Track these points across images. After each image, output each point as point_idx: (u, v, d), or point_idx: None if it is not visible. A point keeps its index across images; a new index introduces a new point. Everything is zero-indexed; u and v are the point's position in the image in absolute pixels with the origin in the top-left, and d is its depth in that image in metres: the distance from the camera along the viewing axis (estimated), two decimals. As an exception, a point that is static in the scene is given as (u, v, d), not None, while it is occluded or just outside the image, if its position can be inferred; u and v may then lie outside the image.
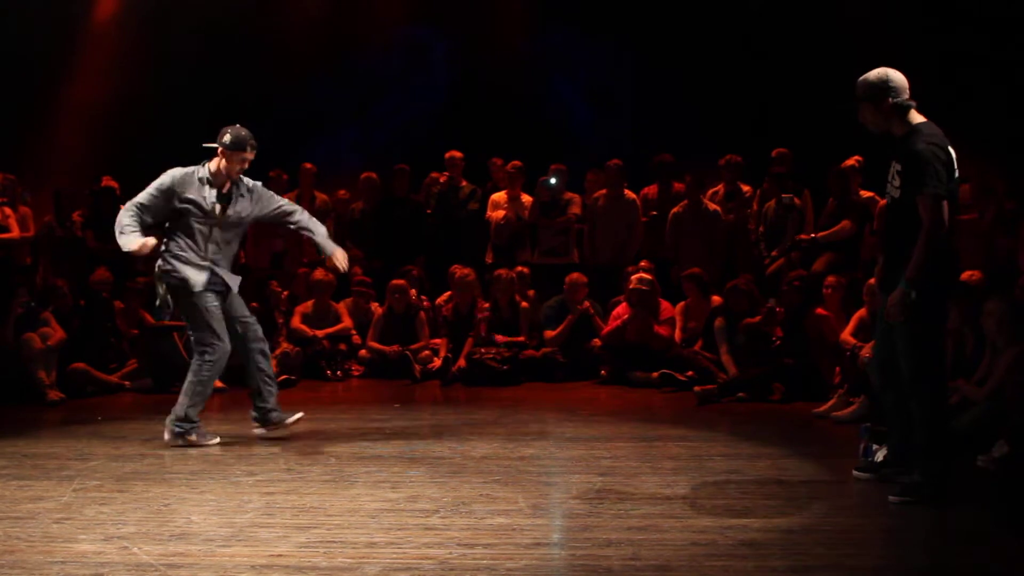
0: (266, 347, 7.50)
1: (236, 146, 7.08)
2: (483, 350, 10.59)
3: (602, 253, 11.74)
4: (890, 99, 5.59)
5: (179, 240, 7.10)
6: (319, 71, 13.86)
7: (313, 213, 12.55)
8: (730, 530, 5.01)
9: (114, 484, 6.06)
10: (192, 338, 7.30)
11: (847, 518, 5.35)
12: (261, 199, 7.37)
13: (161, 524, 5.17)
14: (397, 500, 5.64)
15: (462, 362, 10.57)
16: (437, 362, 10.76)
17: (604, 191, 11.80)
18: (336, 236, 12.55)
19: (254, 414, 7.46)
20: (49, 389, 9.46)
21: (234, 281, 7.29)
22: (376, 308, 11.50)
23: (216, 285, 7.16)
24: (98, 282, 10.80)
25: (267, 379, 7.44)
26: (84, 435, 7.67)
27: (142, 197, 7.07)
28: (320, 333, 11.03)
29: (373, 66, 14.07)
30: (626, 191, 11.78)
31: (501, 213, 12.11)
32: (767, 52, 12.52)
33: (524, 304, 11.10)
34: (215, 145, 7.11)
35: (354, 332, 11.32)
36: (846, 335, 9.03)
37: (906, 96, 5.61)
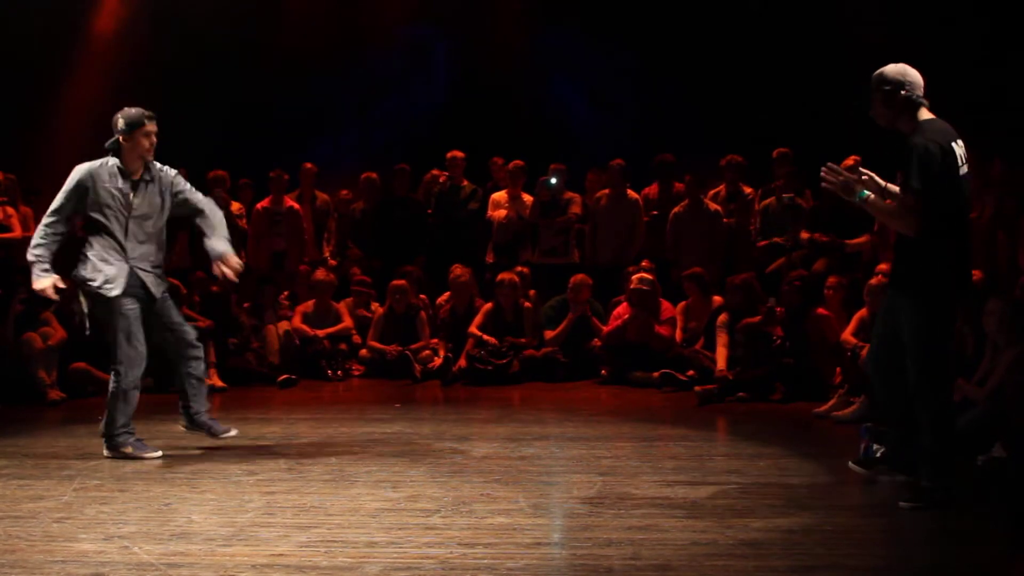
0: (199, 351, 7.06)
1: (133, 125, 6.67)
2: (481, 350, 10.56)
3: (603, 253, 11.73)
4: (903, 92, 5.56)
5: (96, 241, 6.71)
6: (320, 71, 13.85)
7: (314, 213, 12.76)
8: (731, 530, 5.01)
9: (115, 483, 6.07)
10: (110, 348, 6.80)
11: (848, 518, 5.35)
12: (172, 185, 6.90)
13: (162, 523, 5.17)
14: (398, 500, 5.64)
15: (462, 362, 10.56)
16: (437, 361, 10.76)
17: (606, 191, 11.79)
18: (337, 236, 12.64)
19: (182, 418, 7.09)
20: (50, 388, 9.46)
21: (158, 287, 6.83)
22: (376, 308, 11.50)
23: (134, 288, 6.70)
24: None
25: (195, 382, 6.99)
26: (85, 434, 7.66)
27: (55, 205, 6.72)
28: (321, 333, 11.03)
29: (374, 66, 14.07)
30: (628, 191, 11.77)
31: (502, 213, 12.11)
32: (768, 51, 12.52)
33: (527, 305, 11.09)
34: (116, 138, 6.72)
35: (354, 332, 11.32)
36: (847, 335, 9.03)
37: (919, 93, 5.58)
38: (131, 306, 6.69)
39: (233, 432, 7.08)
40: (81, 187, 6.66)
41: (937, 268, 5.48)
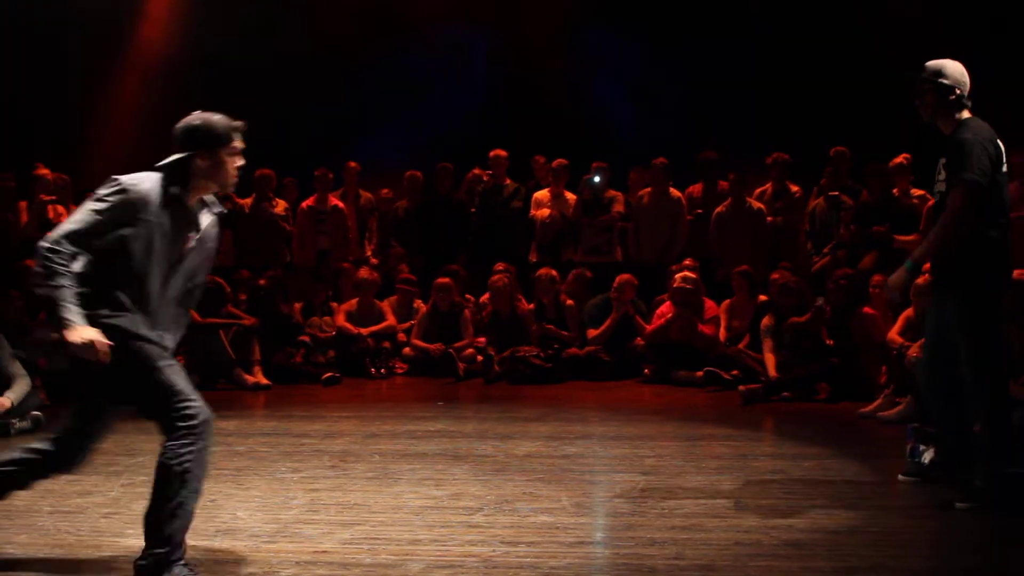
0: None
1: (220, 140, 4.62)
2: (526, 348, 10.60)
3: (646, 251, 11.71)
4: (957, 91, 5.55)
5: (114, 292, 4.44)
6: (362, 70, 13.91)
7: (358, 211, 12.82)
8: (775, 530, 4.98)
9: (161, 480, 6.12)
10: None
11: (893, 519, 5.31)
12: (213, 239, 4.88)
13: (207, 520, 5.20)
14: (441, 498, 5.65)
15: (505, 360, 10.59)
16: (480, 359, 10.77)
17: (649, 189, 11.77)
18: (379, 234, 12.69)
19: None
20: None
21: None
22: (420, 306, 11.54)
23: None
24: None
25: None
26: (131, 431, 7.68)
27: (80, 224, 4.39)
28: (364, 331, 11.08)
29: (416, 65, 14.10)
30: (671, 189, 11.73)
31: (545, 211, 12.11)
32: (813, 49, 12.44)
33: (569, 302, 11.09)
34: (184, 155, 4.62)
35: (399, 330, 11.37)
36: (893, 334, 8.93)
37: (967, 93, 5.59)
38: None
39: None
40: (129, 208, 4.45)
41: (979, 263, 5.46)
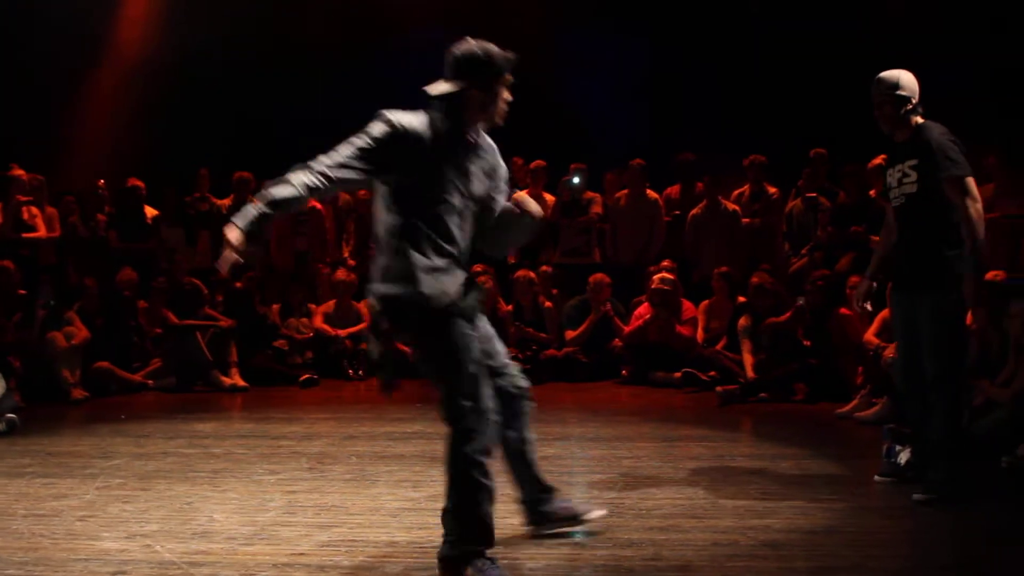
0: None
1: (497, 70, 4.42)
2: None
3: (624, 253, 11.73)
4: (913, 101, 5.72)
5: (414, 233, 4.30)
6: (342, 72, 13.88)
7: (337, 213, 12.79)
8: (752, 530, 4.99)
9: (137, 482, 6.10)
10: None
11: (870, 519, 5.33)
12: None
13: (184, 522, 5.19)
14: (419, 499, 5.65)
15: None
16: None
17: (626, 191, 11.79)
18: (358, 235, 12.66)
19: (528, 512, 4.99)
20: (73, 388, 9.52)
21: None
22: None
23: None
24: (123, 282, 10.87)
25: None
26: (107, 433, 7.72)
27: (344, 157, 4.31)
28: (342, 333, 11.05)
29: (395, 67, 14.07)
30: (648, 191, 11.75)
31: (524, 213, 12.08)
32: (789, 51, 12.48)
33: (548, 304, 11.10)
34: (455, 87, 4.40)
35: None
36: (869, 335, 8.97)
37: (919, 101, 5.76)
38: (468, 330, 4.50)
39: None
40: (400, 145, 4.28)
41: (953, 264, 5.53)
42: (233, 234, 4.06)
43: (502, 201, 4.60)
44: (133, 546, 4.80)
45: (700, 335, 10.51)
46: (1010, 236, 9.97)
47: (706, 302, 10.75)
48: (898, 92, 5.69)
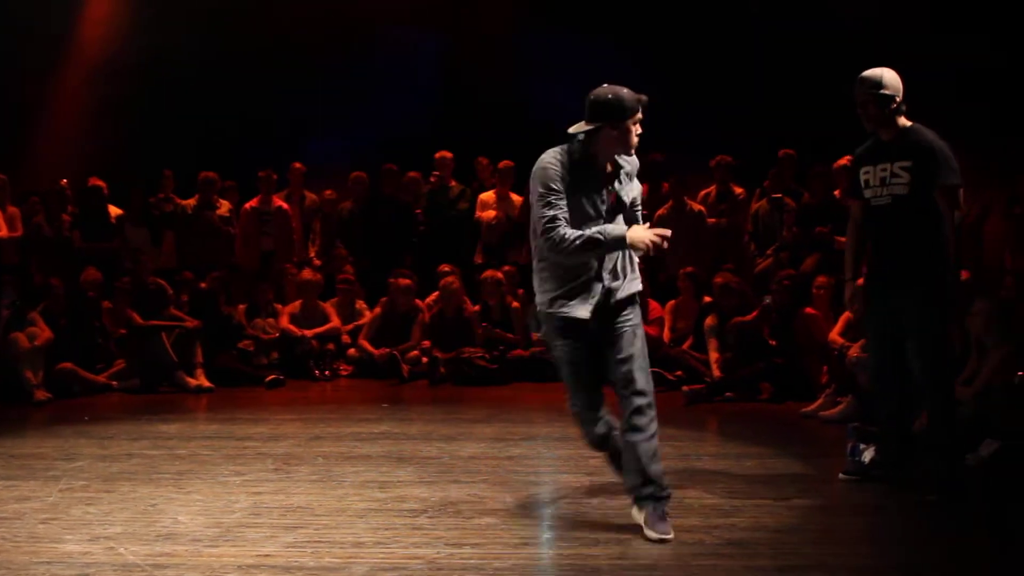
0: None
1: (631, 111, 5.07)
2: (471, 349, 10.60)
3: (590, 253, 11.73)
4: (898, 100, 5.70)
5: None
6: (309, 72, 13.84)
7: (303, 213, 12.75)
8: (717, 529, 5.01)
9: (101, 484, 6.05)
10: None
11: (834, 517, 5.37)
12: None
13: (148, 524, 5.15)
14: (385, 500, 5.63)
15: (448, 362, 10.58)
16: (425, 361, 10.75)
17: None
18: (322, 236, 12.64)
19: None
20: (36, 389, 9.43)
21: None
22: (363, 307, 11.51)
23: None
24: (87, 282, 10.79)
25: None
26: (71, 435, 7.65)
27: (554, 206, 5.01)
28: (308, 333, 11.01)
29: (364, 66, 14.05)
30: (613, 191, 11.75)
31: (491, 213, 12.11)
32: (759, 52, 12.55)
33: (515, 304, 11.10)
34: (589, 127, 5.05)
35: (343, 331, 11.31)
36: (834, 335, 9.04)
37: (903, 100, 5.73)
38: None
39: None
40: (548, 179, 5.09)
41: (937, 263, 5.58)
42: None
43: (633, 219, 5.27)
44: (96, 548, 4.76)
45: (666, 335, 10.54)
46: (971, 236, 10.08)
47: (672, 302, 10.79)
48: (881, 91, 5.67)
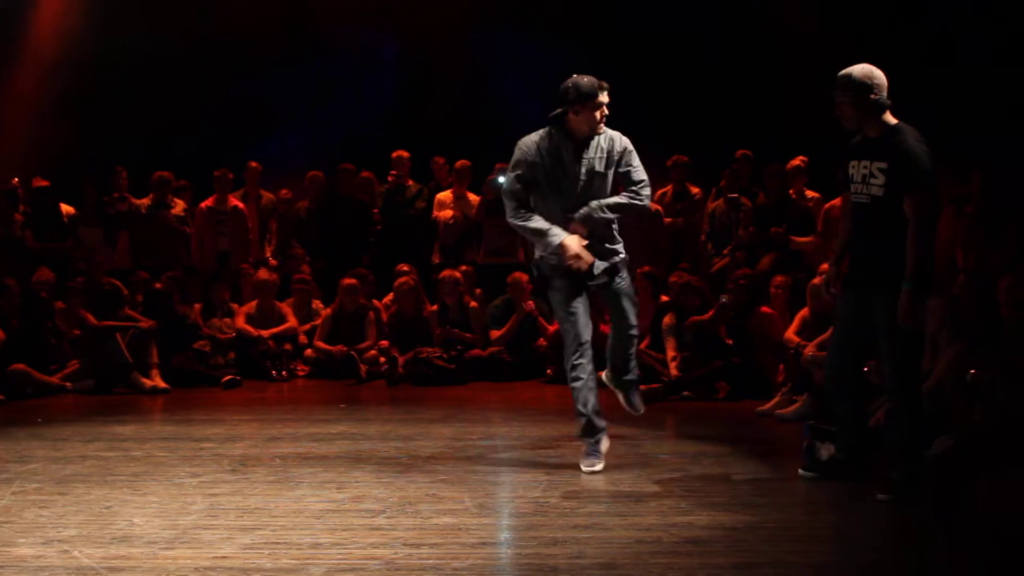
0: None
1: (585, 95, 6.16)
2: (429, 349, 10.59)
3: (548, 253, 11.74)
4: (872, 95, 5.61)
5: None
6: (267, 70, 13.78)
7: (259, 212, 12.68)
8: (675, 527, 5.03)
9: (54, 486, 5.98)
10: None
11: (791, 515, 5.40)
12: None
13: (103, 527, 5.10)
14: (342, 500, 5.61)
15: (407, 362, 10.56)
16: (383, 361, 10.72)
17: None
18: (278, 236, 12.58)
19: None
20: (-13, 391, 9.32)
21: None
22: (320, 307, 11.47)
23: None
24: (40, 282, 10.66)
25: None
26: (23, 437, 7.57)
27: (509, 191, 6.30)
28: (265, 333, 10.95)
29: (322, 65, 14.00)
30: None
31: (448, 213, 12.10)
32: (716, 50, 12.63)
33: (473, 304, 11.10)
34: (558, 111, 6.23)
35: (300, 332, 11.27)
36: (790, 334, 9.11)
37: (885, 95, 5.64)
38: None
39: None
40: (523, 159, 6.31)
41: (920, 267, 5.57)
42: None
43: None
44: (50, 552, 4.71)
45: (624, 334, 10.55)
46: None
47: (629, 302, 10.80)
48: (855, 87, 5.61)
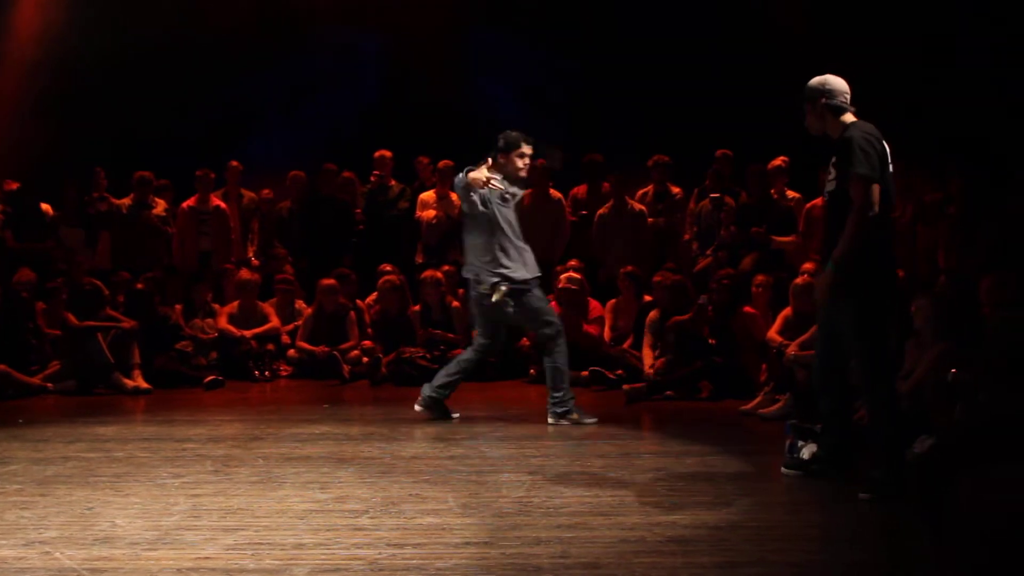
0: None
1: (513, 145, 7.90)
2: (412, 349, 10.58)
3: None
4: (823, 100, 5.76)
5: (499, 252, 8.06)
6: (248, 70, 13.74)
7: (240, 212, 12.65)
8: (658, 527, 5.04)
9: (36, 488, 5.95)
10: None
11: (774, 514, 5.41)
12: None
13: (84, 528, 5.08)
14: (326, 501, 5.60)
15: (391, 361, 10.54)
16: (366, 361, 10.70)
17: (530, 191, 11.80)
18: (260, 235, 12.55)
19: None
20: (-33, 392, 9.27)
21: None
22: (302, 307, 11.44)
23: None
24: (20, 283, 10.61)
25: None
26: (4, 438, 7.53)
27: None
28: (247, 333, 10.92)
29: (303, 65, 13.98)
30: (551, 190, 11.81)
31: (431, 213, 12.09)
32: (700, 51, 12.65)
33: (455, 304, 11.09)
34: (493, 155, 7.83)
35: (283, 332, 11.24)
36: (772, 333, 9.14)
37: (842, 99, 5.78)
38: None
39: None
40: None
41: (868, 265, 5.61)
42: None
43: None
44: (32, 553, 4.68)
45: (607, 334, 10.59)
46: (905, 236, 10.22)
47: (612, 301, 10.84)
48: (808, 94, 5.80)
